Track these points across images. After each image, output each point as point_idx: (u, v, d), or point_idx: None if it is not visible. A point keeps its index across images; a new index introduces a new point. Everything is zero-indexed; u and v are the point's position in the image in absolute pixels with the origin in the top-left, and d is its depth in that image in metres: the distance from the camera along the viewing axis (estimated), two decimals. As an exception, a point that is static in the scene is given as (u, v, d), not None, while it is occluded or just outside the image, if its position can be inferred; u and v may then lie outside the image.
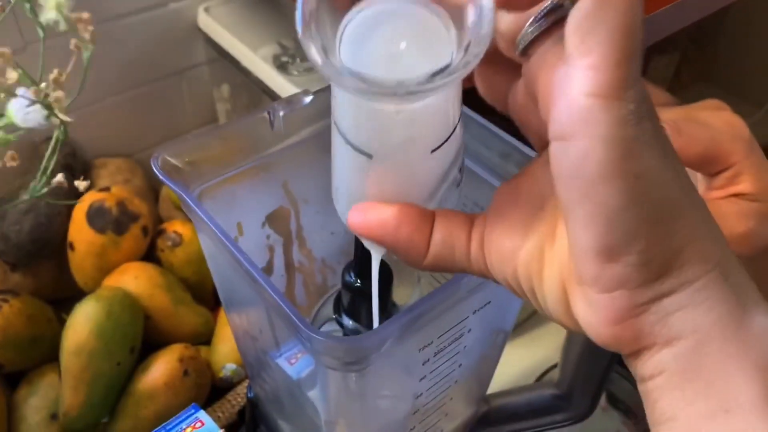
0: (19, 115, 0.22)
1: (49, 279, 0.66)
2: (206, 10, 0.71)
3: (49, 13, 0.22)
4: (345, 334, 0.39)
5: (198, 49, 0.74)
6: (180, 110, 0.78)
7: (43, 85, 0.23)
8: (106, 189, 0.62)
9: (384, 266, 0.39)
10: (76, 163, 0.69)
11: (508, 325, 0.40)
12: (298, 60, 0.65)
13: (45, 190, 0.24)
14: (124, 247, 0.61)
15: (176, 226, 0.65)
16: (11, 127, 0.23)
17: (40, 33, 0.25)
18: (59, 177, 0.24)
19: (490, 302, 0.35)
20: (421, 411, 0.38)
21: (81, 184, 0.25)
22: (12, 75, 0.22)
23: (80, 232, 0.60)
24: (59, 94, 0.22)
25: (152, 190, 0.74)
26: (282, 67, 0.65)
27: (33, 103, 0.22)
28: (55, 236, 0.63)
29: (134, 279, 0.59)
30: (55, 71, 0.23)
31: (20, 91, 0.22)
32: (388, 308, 0.40)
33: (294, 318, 0.28)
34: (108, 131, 0.73)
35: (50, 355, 0.59)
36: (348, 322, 0.40)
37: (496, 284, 0.29)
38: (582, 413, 0.44)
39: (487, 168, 0.38)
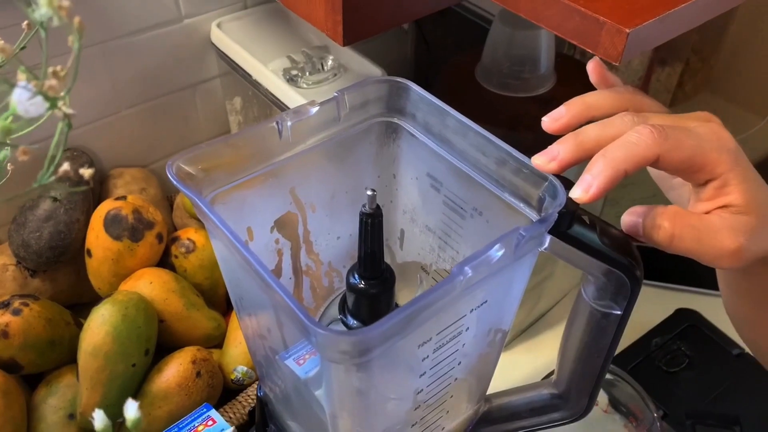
0: (21, 106, 0.24)
1: (66, 284, 0.68)
2: (219, 25, 0.73)
3: (42, 9, 0.24)
4: (350, 334, 0.41)
5: (211, 63, 0.77)
6: (193, 122, 0.80)
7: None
8: (123, 198, 0.65)
9: (387, 269, 0.41)
10: (94, 173, 0.72)
11: (505, 324, 0.42)
12: (307, 73, 0.68)
13: (52, 178, 0.26)
14: (139, 254, 0.63)
15: (190, 234, 0.67)
16: (16, 118, 0.25)
17: (42, 33, 0.27)
18: (65, 166, 0.26)
19: (486, 301, 0.36)
20: (422, 407, 0.40)
21: (86, 172, 0.27)
22: (21, 76, 0.24)
23: (97, 239, 0.63)
24: (53, 82, 0.25)
25: (166, 198, 0.76)
26: (292, 80, 0.67)
27: (34, 95, 0.24)
28: (73, 243, 0.65)
29: (149, 284, 0.62)
30: (57, 66, 0.25)
31: (21, 83, 0.24)
32: (391, 309, 0.42)
33: (299, 313, 0.30)
34: (124, 142, 0.76)
35: (68, 358, 0.61)
36: (352, 321, 0.42)
37: (492, 284, 0.32)
38: (579, 412, 0.45)
39: (484, 174, 0.40)
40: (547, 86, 0.67)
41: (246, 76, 0.70)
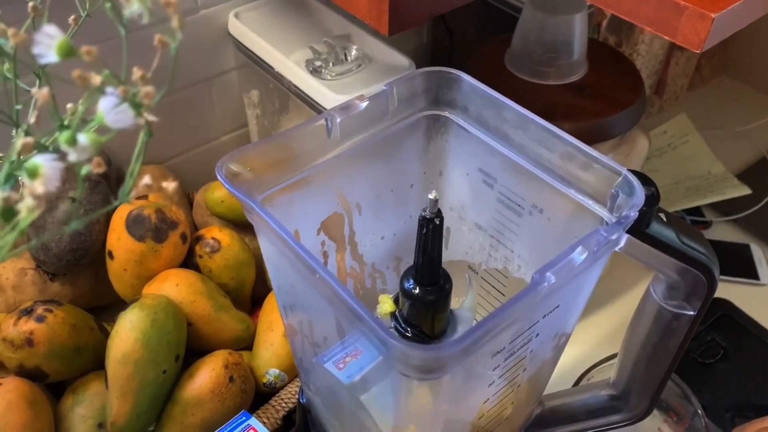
0: (109, 116, 0.22)
1: (86, 288, 0.66)
2: (236, 15, 0.71)
3: (133, 6, 0.22)
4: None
5: (228, 55, 0.74)
6: (210, 117, 0.78)
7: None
8: (144, 197, 0.62)
9: (444, 275, 0.39)
10: (110, 171, 0.69)
11: (570, 328, 0.40)
12: (330, 64, 0.65)
13: (132, 194, 0.24)
14: (163, 255, 0.61)
15: (214, 233, 0.65)
16: (103, 129, 0.23)
17: (122, 31, 0.25)
18: (146, 179, 0.23)
19: (558, 306, 0.35)
20: (485, 416, 0.38)
21: (170, 184, 0.24)
22: (96, 79, 0.22)
23: (119, 241, 0.60)
24: (148, 88, 0.22)
25: (185, 196, 0.74)
26: (315, 71, 0.64)
27: (121, 102, 0.21)
28: (94, 245, 0.63)
29: (175, 286, 0.59)
30: (140, 71, 0.23)
31: (108, 89, 0.22)
32: (446, 315, 0.40)
33: (375, 325, 0.28)
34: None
35: (93, 364, 0.59)
36: (405, 327, 0.40)
37: (566, 288, 0.30)
38: (639, 414, 0.44)
39: (547, 170, 0.38)
40: (580, 73, 0.65)
41: (267, 68, 0.67)
